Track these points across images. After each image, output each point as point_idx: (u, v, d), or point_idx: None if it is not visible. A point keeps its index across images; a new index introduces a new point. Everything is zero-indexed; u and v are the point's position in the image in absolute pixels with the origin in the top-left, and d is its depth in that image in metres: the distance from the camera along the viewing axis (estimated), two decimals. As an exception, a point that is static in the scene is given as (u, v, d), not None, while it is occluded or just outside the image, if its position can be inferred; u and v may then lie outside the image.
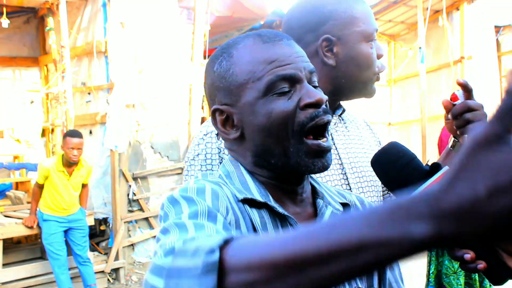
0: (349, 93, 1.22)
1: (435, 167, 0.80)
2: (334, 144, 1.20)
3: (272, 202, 0.78)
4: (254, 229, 0.76)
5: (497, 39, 8.06)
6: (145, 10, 5.57)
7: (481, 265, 0.74)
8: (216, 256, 0.49)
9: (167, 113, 5.77)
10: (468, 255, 0.74)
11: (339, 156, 1.20)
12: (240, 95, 0.79)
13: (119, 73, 5.32)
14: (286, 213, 0.78)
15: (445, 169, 0.80)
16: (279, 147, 0.78)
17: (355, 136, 1.27)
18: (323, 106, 0.79)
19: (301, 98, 0.77)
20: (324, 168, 0.80)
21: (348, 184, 1.17)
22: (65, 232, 4.45)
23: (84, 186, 4.55)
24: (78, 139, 4.17)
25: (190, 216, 0.64)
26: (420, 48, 6.98)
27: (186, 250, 0.53)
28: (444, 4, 7.15)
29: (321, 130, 0.79)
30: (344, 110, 1.29)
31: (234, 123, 0.82)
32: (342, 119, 1.29)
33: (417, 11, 7.04)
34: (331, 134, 1.22)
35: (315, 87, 0.81)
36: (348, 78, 1.18)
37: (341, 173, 1.18)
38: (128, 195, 5.45)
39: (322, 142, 0.79)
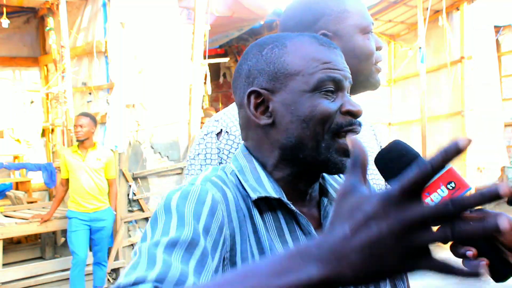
0: (352, 87, 1.22)
1: None
2: None
3: (285, 199, 0.79)
4: (256, 232, 0.77)
5: (497, 39, 8.07)
6: (145, 10, 5.56)
7: (484, 262, 0.74)
8: None
9: (167, 113, 5.77)
10: (471, 252, 0.75)
11: None
12: (287, 84, 0.80)
13: (119, 73, 5.32)
14: (298, 211, 0.79)
15: (448, 167, 0.79)
16: (312, 141, 0.80)
17: (363, 141, 1.27)
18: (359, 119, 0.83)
19: (343, 104, 0.81)
20: None
21: None
22: (90, 231, 4.42)
23: (110, 183, 4.54)
24: (83, 117, 4.34)
25: (168, 244, 0.65)
26: (420, 48, 6.98)
27: None
28: (444, 4, 7.15)
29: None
30: None
31: (268, 109, 0.82)
32: None
33: (417, 11, 7.05)
34: None
35: None
36: None
37: None
38: (128, 195, 5.45)
39: None
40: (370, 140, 1.32)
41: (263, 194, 0.78)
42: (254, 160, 0.84)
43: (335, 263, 0.46)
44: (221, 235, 0.71)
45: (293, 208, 0.78)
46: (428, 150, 7.18)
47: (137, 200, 5.51)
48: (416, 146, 7.71)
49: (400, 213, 0.44)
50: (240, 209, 0.78)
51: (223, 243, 0.71)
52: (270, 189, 0.79)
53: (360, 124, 0.83)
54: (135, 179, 5.50)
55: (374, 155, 1.28)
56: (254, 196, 0.78)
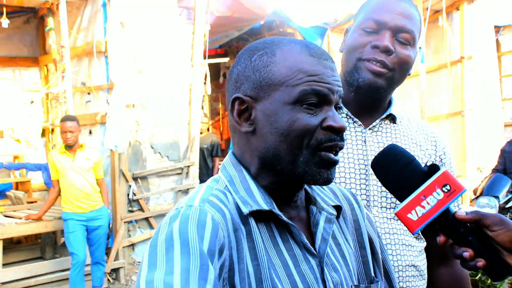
0: (352, 87, 1.20)
1: (433, 168, 0.80)
2: (366, 149, 1.21)
3: (276, 210, 0.79)
4: (254, 249, 0.76)
5: (497, 39, 8.07)
6: (145, 10, 5.56)
7: (480, 262, 0.74)
8: None
9: (167, 113, 5.77)
10: (467, 253, 0.75)
11: (367, 157, 1.20)
12: (269, 94, 0.79)
13: (119, 73, 5.32)
14: (290, 221, 0.79)
15: (442, 170, 0.80)
16: (289, 155, 0.78)
17: (406, 142, 1.25)
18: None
19: (326, 119, 0.79)
20: (328, 181, 0.80)
21: (367, 187, 1.18)
22: (87, 231, 4.44)
23: (100, 183, 4.54)
24: (70, 122, 4.33)
25: (181, 274, 0.63)
26: (420, 48, 6.98)
27: None
28: (444, 4, 7.14)
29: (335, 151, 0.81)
30: (390, 115, 1.28)
31: (250, 117, 0.81)
32: (393, 122, 1.28)
33: (417, 11, 7.04)
34: (364, 139, 1.22)
35: (337, 108, 0.83)
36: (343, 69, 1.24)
37: (364, 173, 1.19)
38: (128, 195, 5.45)
39: (333, 155, 0.80)
40: (424, 146, 1.30)
41: (254, 208, 0.77)
42: (243, 169, 0.83)
43: None
44: (222, 257, 0.71)
45: (285, 219, 0.79)
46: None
47: (137, 200, 5.51)
48: (416, 146, 7.69)
49: None
50: (238, 227, 0.77)
51: (223, 265, 0.71)
52: (261, 200, 0.79)
53: (342, 139, 0.80)
54: (135, 179, 5.50)
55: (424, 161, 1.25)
56: (246, 210, 0.77)
